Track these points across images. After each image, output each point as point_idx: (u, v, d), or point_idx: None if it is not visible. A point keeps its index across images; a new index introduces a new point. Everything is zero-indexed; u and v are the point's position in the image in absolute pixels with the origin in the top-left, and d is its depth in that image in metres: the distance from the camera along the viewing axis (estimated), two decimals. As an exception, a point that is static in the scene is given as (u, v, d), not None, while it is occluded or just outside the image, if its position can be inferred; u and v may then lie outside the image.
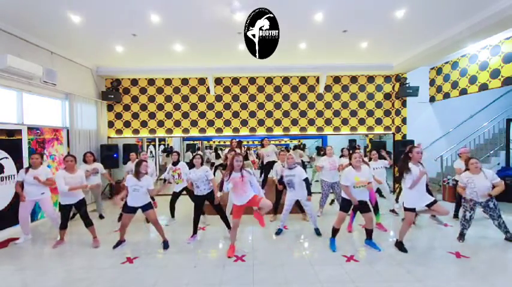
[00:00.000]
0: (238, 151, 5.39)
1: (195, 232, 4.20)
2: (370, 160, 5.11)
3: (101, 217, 5.42)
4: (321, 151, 7.38)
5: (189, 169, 4.50)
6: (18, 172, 4.27)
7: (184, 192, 4.99)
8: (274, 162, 5.59)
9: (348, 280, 2.98)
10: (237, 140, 6.19)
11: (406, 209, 3.62)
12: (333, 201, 6.13)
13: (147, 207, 3.86)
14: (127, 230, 4.01)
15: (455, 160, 5.22)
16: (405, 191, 3.62)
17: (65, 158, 4.00)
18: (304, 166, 7.38)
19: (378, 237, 4.08)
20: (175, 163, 4.84)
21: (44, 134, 5.45)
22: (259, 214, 3.59)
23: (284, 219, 4.47)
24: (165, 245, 3.91)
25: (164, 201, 6.60)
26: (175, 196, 5.03)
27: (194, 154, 4.23)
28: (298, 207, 4.77)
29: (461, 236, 3.99)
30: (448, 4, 4.02)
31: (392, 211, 5.45)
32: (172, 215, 5.08)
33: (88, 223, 4.03)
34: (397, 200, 5.89)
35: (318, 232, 4.32)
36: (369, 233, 3.83)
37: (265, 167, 5.96)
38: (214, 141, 9.61)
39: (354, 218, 4.53)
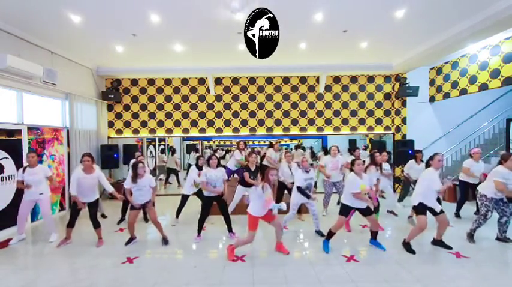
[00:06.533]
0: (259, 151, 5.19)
1: (199, 231, 4.21)
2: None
3: (104, 216, 5.42)
4: (327, 151, 7.38)
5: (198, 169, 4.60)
6: (18, 171, 4.24)
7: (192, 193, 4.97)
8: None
9: (348, 280, 2.98)
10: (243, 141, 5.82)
11: (418, 212, 3.64)
12: (339, 201, 6.11)
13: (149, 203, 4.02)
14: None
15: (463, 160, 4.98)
16: (421, 191, 3.64)
17: (82, 158, 3.95)
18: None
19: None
20: (200, 167, 4.67)
21: (44, 134, 5.44)
22: (281, 245, 3.71)
23: (288, 220, 4.45)
24: (165, 241, 4.02)
25: (166, 202, 6.62)
26: (185, 199, 4.98)
27: (210, 154, 4.27)
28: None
29: (471, 237, 3.97)
30: (448, 4, 4.02)
31: (391, 212, 5.42)
32: (177, 216, 5.04)
33: (96, 225, 4.05)
34: (400, 200, 5.82)
35: (320, 234, 4.29)
36: (373, 233, 3.85)
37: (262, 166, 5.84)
38: (214, 141, 9.60)
39: (350, 218, 4.54)
